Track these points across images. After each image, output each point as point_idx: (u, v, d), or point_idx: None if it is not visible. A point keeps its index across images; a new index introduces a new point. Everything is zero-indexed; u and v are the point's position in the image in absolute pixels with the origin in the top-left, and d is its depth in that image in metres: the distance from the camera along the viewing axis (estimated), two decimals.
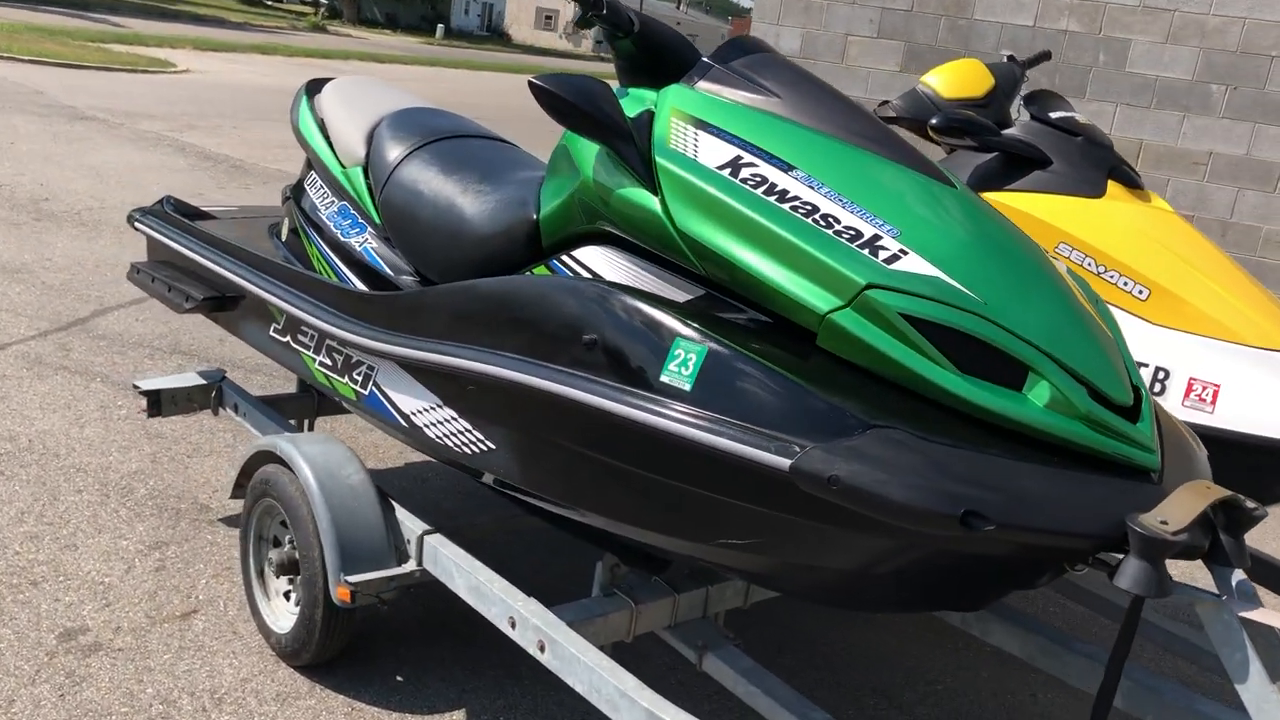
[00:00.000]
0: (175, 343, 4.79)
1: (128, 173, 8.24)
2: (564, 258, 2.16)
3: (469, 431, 2.13)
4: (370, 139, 2.84)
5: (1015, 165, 2.74)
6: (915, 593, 1.78)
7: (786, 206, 1.76)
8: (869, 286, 1.65)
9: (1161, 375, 2.45)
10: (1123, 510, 1.55)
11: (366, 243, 2.73)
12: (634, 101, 2.13)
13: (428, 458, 3.87)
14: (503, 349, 2.00)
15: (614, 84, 2.52)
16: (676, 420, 1.66)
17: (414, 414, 2.27)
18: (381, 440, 4.03)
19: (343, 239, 2.79)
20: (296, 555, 2.64)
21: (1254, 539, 4.19)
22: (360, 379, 2.44)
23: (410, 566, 2.47)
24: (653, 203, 1.89)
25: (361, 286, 2.63)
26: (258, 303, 2.81)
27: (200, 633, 2.74)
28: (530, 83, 1.97)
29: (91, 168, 8.26)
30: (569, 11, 74.36)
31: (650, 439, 1.72)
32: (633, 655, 2.82)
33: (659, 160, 1.88)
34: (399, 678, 2.65)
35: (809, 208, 1.76)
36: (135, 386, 3.25)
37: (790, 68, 2.06)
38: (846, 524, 1.63)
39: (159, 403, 3.24)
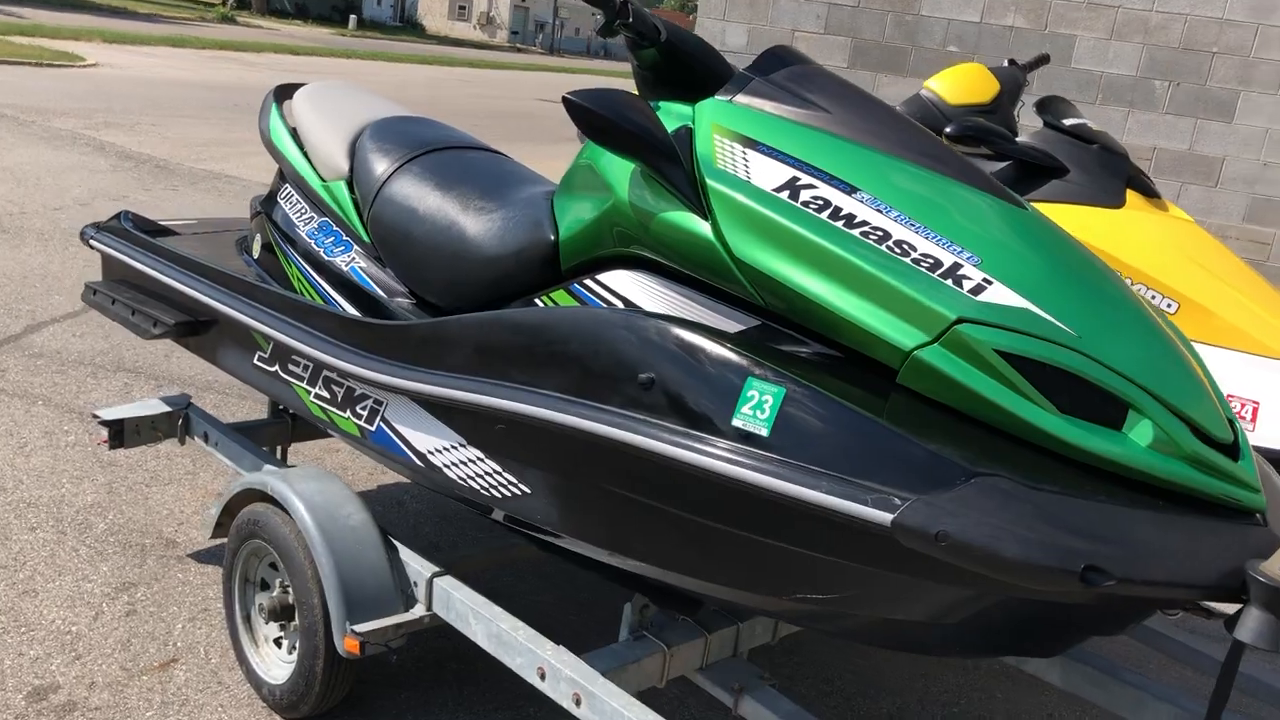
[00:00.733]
0: (118, 360, 4.53)
1: (46, 174, 7.85)
2: (587, 282, 2.02)
3: (498, 474, 1.98)
4: (353, 150, 2.66)
5: (1031, 174, 2.66)
6: (994, 640, 1.68)
7: (856, 232, 1.64)
8: (960, 321, 1.53)
9: None
10: (1239, 557, 1.46)
11: (354, 262, 2.55)
12: (666, 117, 1.99)
13: (401, 479, 3.69)
14: (542, 387, 1.86)
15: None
16: (756, 470, 1.53)
17: (431, 453, 2.11)
18: (350, 462, 3.83)
19: (326, 258, 2.61)
20: (290, 600, 2.46)
21: None
22: (365, 414, 2.27)
23: (419, 612, 2.31)
24: (703, 228, 1.76)
25: (350, 309, 2.46)
26: (238, 329, 2.62)
27: (183, 685, 2.54)
28: (565, 100, 1.83)
29: (5, 169, 7.85)
30: (483, 2, 73.62)
31: (723, 489, 1.59)
32: (664, 700, 2.69)
33: (710, 183, 1.75)
34: None
35: (880, 234, 1.64)
36: (95, 416, 3.02)
37: (835, 79, 1.94)
38: (939, 577, 1.52)
39: (122, 433, 3.02)
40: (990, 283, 1.58)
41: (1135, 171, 2.63)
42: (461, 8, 73.18)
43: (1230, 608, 1.85)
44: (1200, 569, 1.44)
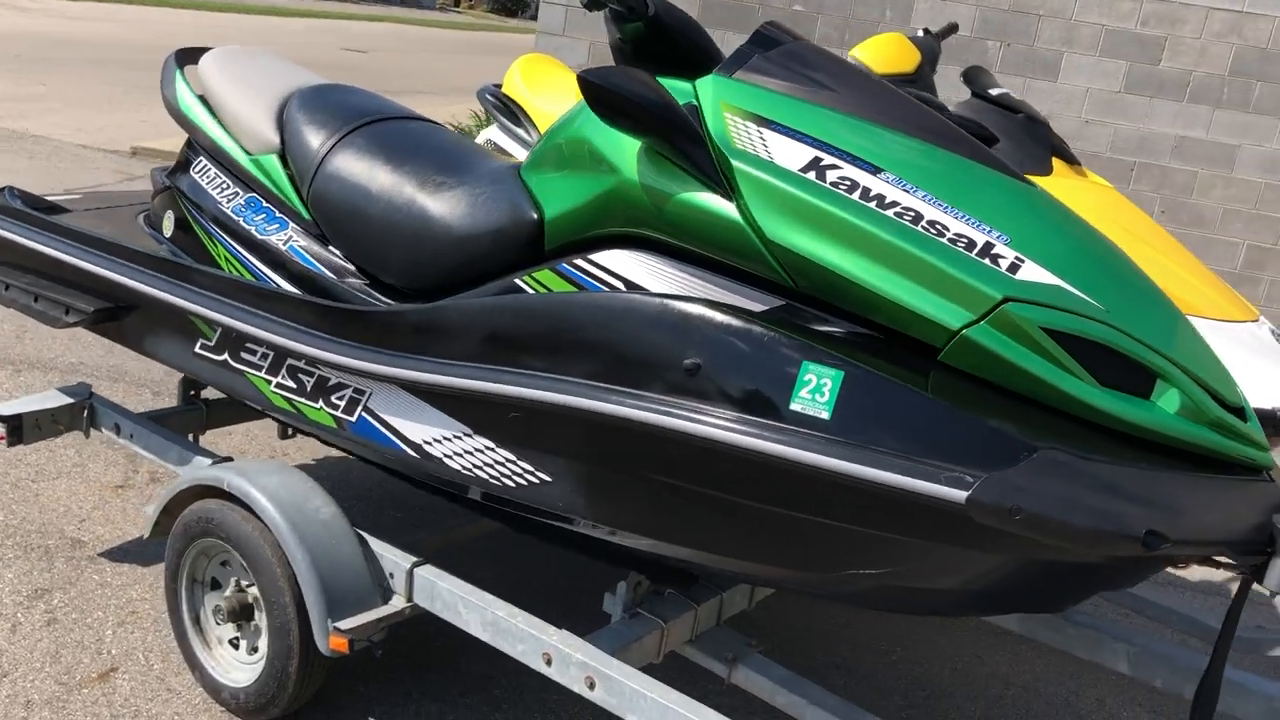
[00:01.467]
0: None
1: None
2: (578, 262, 1.98)
3: (511, 463, 1.93)
4: (282, 122, 2.52)
5: None
6: (1013, 599, 1.77)
7: (890, 213, 1.67)
8: (1006, 300, 1.59)
9: None
10: (1265, 513, 1.58)
11: (291, 241, 2.43)
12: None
13: (321, 456, 3.55)
14: (567, 374, 1.82)
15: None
16: (824, 453, 1.55)
17: (428, 443, 2.04)
18: (250, 444, 3.66)
19: (259, 236, 2.47)
20: (249, 600, 2.35)
21: None
22: (343, 404, 2.17)
23: (399, 604, 2.25)
24: (727, 210, 1.75)
25: (290, 290, 2.33)
26: (174, 315, 2.45)
27: (129, 695, 2.39)
28: (581, 79, 1.78)
29: None
30: None
31: (783, 473, 1.60)
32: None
33: (735, 164, 1.74)
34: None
35: (913, 214, 1.67)
36: None
37: (831, 57, 1.96)
38: (990, 546, 1.59)
39: (20, 429, 2.79)
40: (1023, 261, 1.64)
41: (1056, 140, 2.76)
42: None
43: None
44: (1235, 526, 1.56)
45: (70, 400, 2.85)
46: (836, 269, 1.66)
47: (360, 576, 2.24)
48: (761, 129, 1.80)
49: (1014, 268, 1.63)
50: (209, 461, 2.59)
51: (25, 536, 2.94)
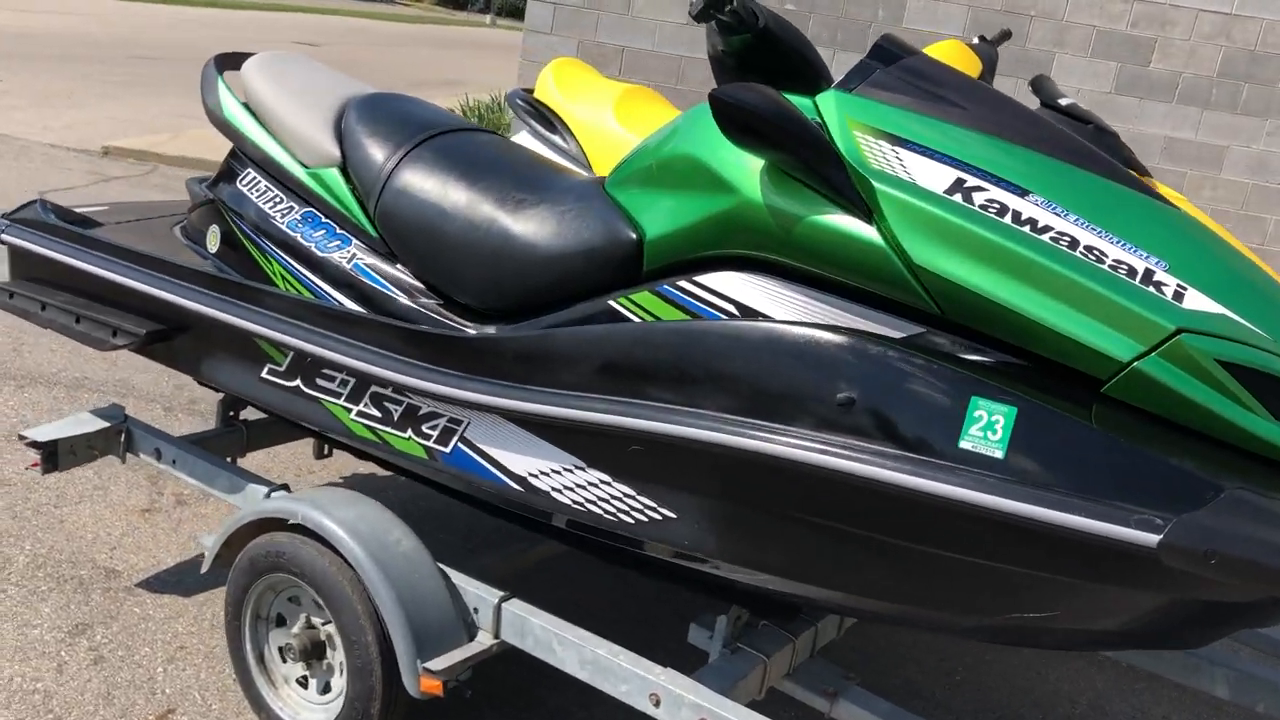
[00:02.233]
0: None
1: None
2: (681, 284, 1.89)
3: (630, 498, 1.84)
4: (341, 134, 2.41)
5: None
6: (1154, 637, 1.71)
7: (1046, 238, 1.61)
8: (1180, 331, 1.53)
9: None
10: None
11: (356, 259, 2.31)
12: None
13: (349, 472, 3.43)
14: (700, 407, 1.73)
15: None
16: (1005, 496, 1.48)
17: (533, 475, 1.95)
18: (272, 462, 3.52)
19: (320, 253, 2.35)
20: (321, 638, 2.24)
21: None
22: (436, 434, 2.06)
23: (487, 641, 2.15)
24: (868, 233, 1.67)
25: (355, 309, 2.22)
26: (238, 338, 2.33)
27: None
28: (714, 98, 1.69)
29: None
30: None
31: (954, 516, 1.53)
32: None
33: (878, 186, 1.67)
34: None
35: (1069, 239, 1.61)
36: (22, 438, 2.63)
37: (952, 70, 1.90)
38: (1159, 587, 1.53)
39: (55, 455, 2.65)
40: (1185, 289, 1.58)
41: (1126, 151, 2.70)
42: None
43: None
44: None
45: (105, 424, 2.72)
46: (993, 297, 1.59)
47: (446, 613, 2.14)
48: (896, 148, 1.73)
49: (1178, 296, 1.57)
50: (264, 490, 2.47)
51: (56, 567, 2.79)
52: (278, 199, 2.45)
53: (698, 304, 1.87)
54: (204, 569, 2.35)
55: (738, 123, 1.68)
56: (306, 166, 2.41)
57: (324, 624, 2.22)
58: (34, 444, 2.62)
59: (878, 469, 1.54)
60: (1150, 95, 6.83)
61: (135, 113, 9.37)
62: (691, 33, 7.04)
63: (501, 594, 2.15)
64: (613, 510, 1.87)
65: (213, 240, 2.57)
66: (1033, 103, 3.03)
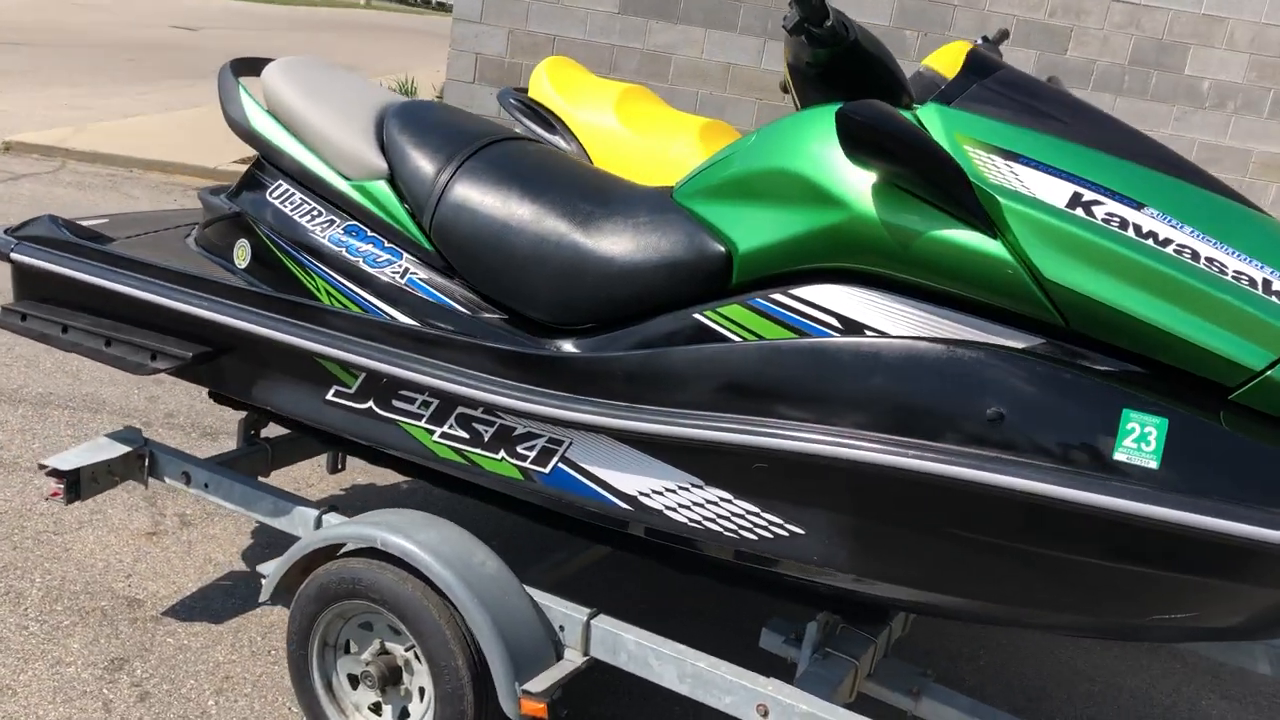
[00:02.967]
0: None
1: None
2: (776, 297, 1.90)
3: (755, 515, 1.84)
4: (386, 145, 2.34)
5: None
6: (1258, 629, 1.79)
7: (1169, 250, 1.66)
8: None
9: None
10: None
11: (410, 273, 2.26)
12: None
13: (365, 483, 3.34)
14: (835, 424, 1.74)
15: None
16: (1167, 505, 1.53)
17: (644, 495, 1.93)
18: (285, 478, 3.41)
19: (369, 269, 2.29)
20: (398, 663, 2.19)
21: None
22: (533, 454, 2.03)
23: (576, 659, 2.13)
24: (993, 248, 1.71)
25: (438, 331, 2.17)
26: (296, 359, 2.25)
27: None
28: (843, 115, 1.71)
29: None
30: None
31: (1110, 526, 1.58)
32: None
33: (1004, 201, 1.70)
34: None
35: (1190, 250, 1.67)
36: (43, 466, 2.51)
37: (1044, 84, 1.94)
38: None
39: (78, 484, 2.53)
40: None
41: None
42: None
43: None
44: None
45: (126, 449, 2.60)
46: (1127, 310, 1.64)
47: (535, 633, 2.11)
48: (1011, 163, 1.76)
49: None
50: (314, 513, 2.41)
51: (74, 599, 2.67)
52: (316, 212, 2.38)
53: (798, 318, 1.87)
54: (264, 598, 2.27)
55: (866, 139, 1.70)
56: (349, 179, 2.34)
57: (408, 649, 2.17)
58: (55, 473, 2.50)
59: (1049, 484, 1.58)
60: (1067, 82, 7.06)
61: (24, 105, 8.91)
62: (623, 22, 7.02)
63: (589, 611, 2.14)
64: (735, 528, 1.87)
65: (241, 255, 2.47)
66: None
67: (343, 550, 2.24)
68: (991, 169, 1.75)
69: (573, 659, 2.14)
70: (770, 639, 2.27)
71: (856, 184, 1.81)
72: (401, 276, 2.27)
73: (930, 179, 1.72)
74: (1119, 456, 1.59)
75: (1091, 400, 1.61)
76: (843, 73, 2.09)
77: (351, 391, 2.20)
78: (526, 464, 2.04)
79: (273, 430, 2.86)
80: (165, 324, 2.37)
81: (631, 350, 2.00)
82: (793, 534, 1.83)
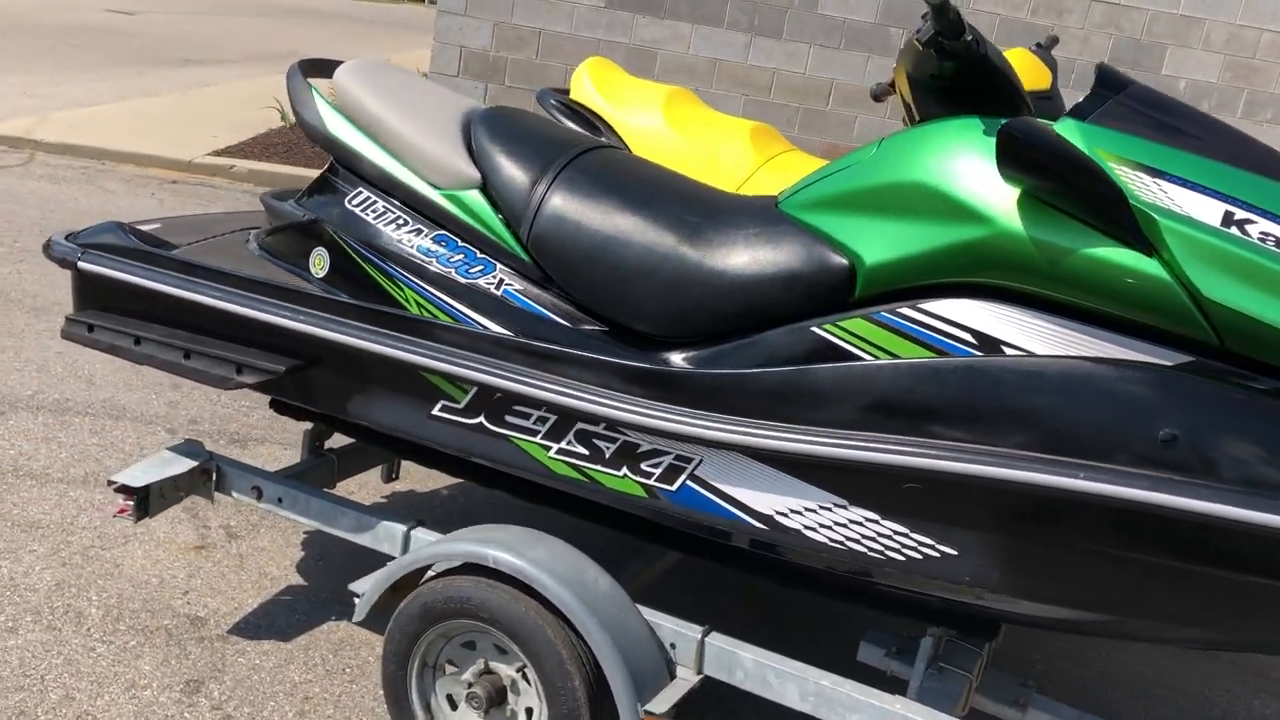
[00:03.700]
0: None
1: None
2: (904, 311, 1.89)
3: (903, 535, 1.83)
4: (476, 153, 2.29)
5: None
6: None
7: None
8: None
9: None
10: None
11: (507, 284, 2.22)
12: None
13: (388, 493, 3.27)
14: (998, 444, 1.73)
15: None
16: None
17: (781, 514, 1.91)
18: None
19: (463, 279, 2.24)
20: (503, 683, 2.15)
21: None
22: (659, 472, 1.99)
23: (690, 677, 2.11)
24: (1150, 267, 1.71)
25: (558, 346, 2.12)
26: (400, 373, 2.18)
27: None
28: (1005, 134, 1.70)
29: None
30: None
31: None
32: None
33: (1162, 221, 1.70)
34: None
35: None
36: (112, 483, 2.42)
37: (1172, 99, 1.95)
38: None
39: (147, 501, 2.44)
40: None
41: None
42: None
43: None
44: None
45: (193, 463, 2.52)
46: None
47: (651, 651, 2.08)
48: (1158, 181, 1.76)
49: None
50: (401, 528, 2.35)
51: (135, 618, 2.58)
52: (401, 220, 2.32)
53: (929, 333, 1.86)
54: (358, 618, 2.21)
55: (1028, 157, 1.69)
56: (439, 187, 2.28)
57: (518, 669, 2.13)
58: (125, 489, 2.41)
59: (1240, 508, 1.58)
60: None
61: None
62: (610, 16, 6.97)
63: (702, 628, 2.11)
64: (880, 549, 1.86)
65: (319, 264, 2.40)
66: None
67: (441, 568, 2.19)
68: (1141, 187, 1.75)
69: (686, 677, 2.11)
70: (870, 652, 2.27)
71: (1000, 199, 1.80)
72: (497, 287, 2.22)
73: (1088, 198, 1.71)
74: None
75: (1268, 419, 1.62)
76: (967, 86, 2.08)
77: (460, 406, 2.15)
78: (651, 481, 2.01)
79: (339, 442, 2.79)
80: (252, 336, 2.29)
81: (752, 364, 1.98)
82: (944, 555, 1.81)
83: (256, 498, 2.50)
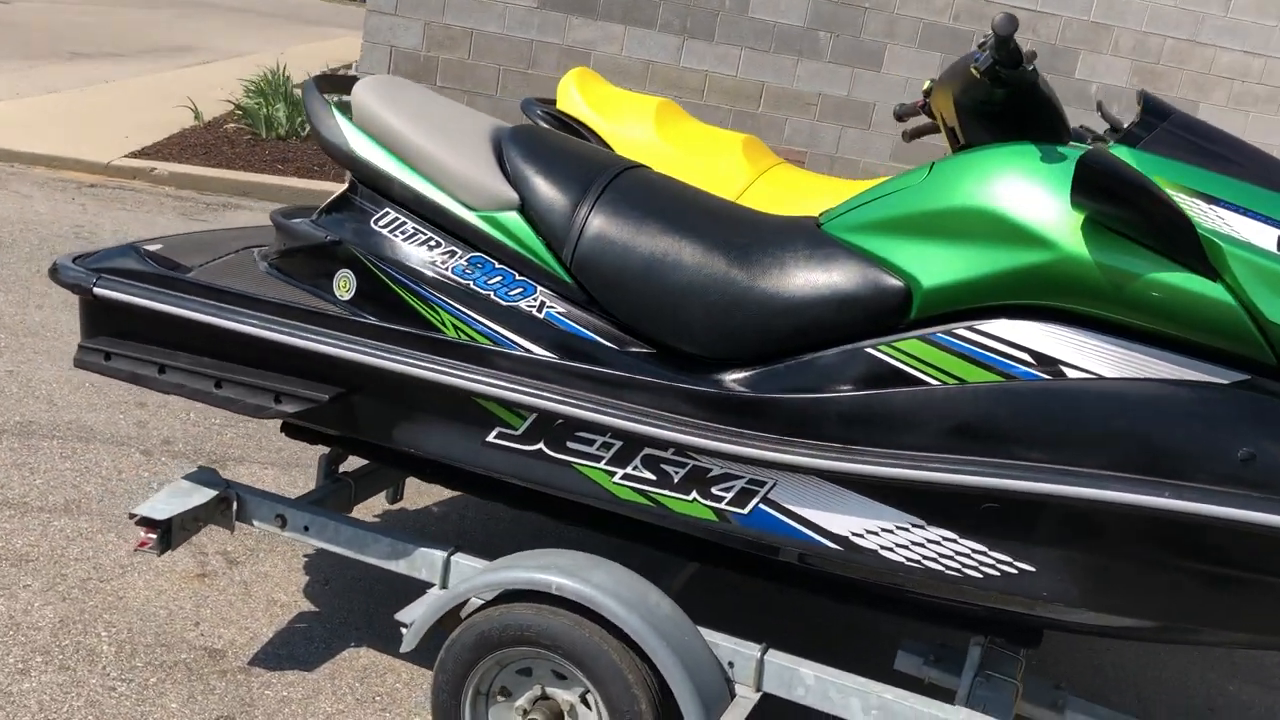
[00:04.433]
0: None
1: None
2: (961, 332, 1.95)
3: (981, 554, 1.87)
4: (511, 175, 2.27)
5: None
6: None
7: None
8: None
9: None
10: None
11: (549, 307, 2.21)
12: (1064, 163, 1.96)
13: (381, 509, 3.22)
14: (1078, 465, 1.79)
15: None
16: None
17: (858, 535, 1.94)
18: None
19: (503, 302, 2.22)
20: (563, 708, 2.14)
21: None
22: (730, 496, 2.00)
23: (751, 695, 2.13)
24: (1214, 291, 1.79)
25: (620, 372, 2.12)
26: (452, 400, 2.15)
27: None
28: (1085, 164, 1.76)
29: None
30: None
31: None
32: None
33: (1227, 248, 1.78)
34: None
35: None
36: (133, 515, 2.33)
37: (1209, 125, 2.04)
38: None
39: (169, 533, 2.36)
40: None
41: None
42: None
43: None
44: None
45: (211, 493, 2.44)
46: None
47: (713, 672, 2.10)
48: (1215, 207, 1.85)
49: None
50: (441, 554, 2.32)
51: (150, 653, 2.49)
52: (434, 242, 2.29)
53: (986, 353, 1.92)
54: (407, 648, 2.18)
55: (1103, 186, 1.75)
56: (475, 209, 2.26)
57: (582, 695, 2.12)
58: (148, 522, 2.33)
59: (1255, 513, 1.67)
60: None
61: None
62: (542, 17, 6.92)
63: (760, 646, 2.14)
64: (957, 567, 1.90)
65: (344, 286, 2.35)
66: None
67: (489, 596, 2.17)
68: (1201, 214, 1.83)
69: (746, 695, 2.13)
70: (907, 661, 2.32)
71: (1064, 225, 1.86)
72: (539, 310, 2.20)
73: (1156, 225, 1.78)
74: None
75: None
76: (1016, 112, 2.14)
77: (518, 433, 2.13)
78: (723, 505, 2.02)
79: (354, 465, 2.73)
80: (290, 364, 2.23)
81: (808, 385, 2.01)
82: (1022, 571, 1.87)
83: (280, 526, 2.44)
